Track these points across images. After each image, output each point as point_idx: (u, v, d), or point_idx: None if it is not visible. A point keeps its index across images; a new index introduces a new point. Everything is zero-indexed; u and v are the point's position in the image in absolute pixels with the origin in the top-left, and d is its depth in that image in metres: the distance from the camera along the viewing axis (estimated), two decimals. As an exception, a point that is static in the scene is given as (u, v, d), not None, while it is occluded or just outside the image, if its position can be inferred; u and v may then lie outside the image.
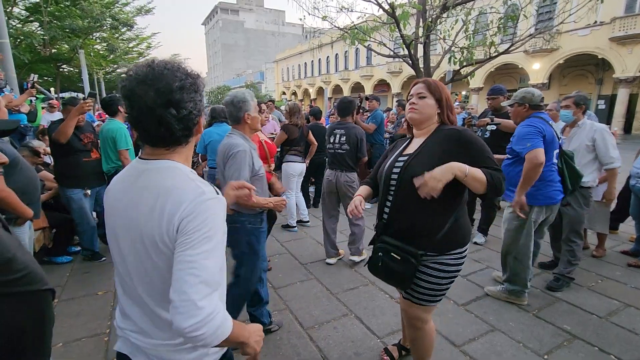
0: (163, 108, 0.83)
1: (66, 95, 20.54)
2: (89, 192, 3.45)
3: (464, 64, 8.57)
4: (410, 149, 1.66)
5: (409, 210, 1.58)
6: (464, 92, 24.37)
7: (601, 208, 3.52)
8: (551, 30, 12.31)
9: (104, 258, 3.61)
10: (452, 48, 8.60)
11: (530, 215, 2.61)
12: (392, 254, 1.61)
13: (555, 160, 2.62)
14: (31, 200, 2.22)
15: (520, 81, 22.31)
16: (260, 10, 71.52)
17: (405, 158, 1.62)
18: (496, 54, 8.43)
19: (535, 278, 3.22)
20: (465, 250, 1.64)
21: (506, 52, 8.33)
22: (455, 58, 8.63)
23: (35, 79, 4.19)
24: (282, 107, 8.81)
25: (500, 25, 8.44)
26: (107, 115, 3.71)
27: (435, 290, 1.63)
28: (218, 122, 3.85)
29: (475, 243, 4.01)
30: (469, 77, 8.93)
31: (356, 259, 3.53)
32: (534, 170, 2.41)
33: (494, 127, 3.73)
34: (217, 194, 0.89)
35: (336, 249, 3.58)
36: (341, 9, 8.49)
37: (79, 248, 3.87)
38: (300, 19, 8.51)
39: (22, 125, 3.67)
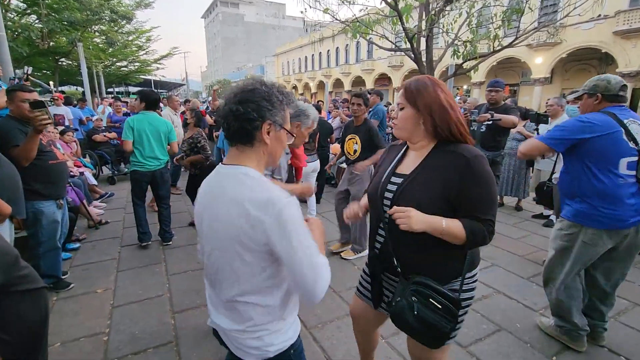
0: (233, 104, 1.00)
1: (66, 89, 20.41)
2: (62, 202, 2.94)
3: (467, 57, 8.46)
4: (405, 167, 1.38)
5: (410, 240, 1.29)
6: (465, 87, 24.20)
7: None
8: (556, 23, 12.15)
9: (72, 285, 2.99)
10: (455, 41, 8.48)
11: (578, 237, 2.06)
12: (431, 299, 1.24)
13: (627, 172, 1.91)
14: (12, 198, 2.15)
15: (522, 75, 22.14)
16: (261, 3, 70.81)
17: (400, 181, 1.35)
18: (500, 47, 8.32)
19: (541, 276, 3.17)
20: (476, 274, 1.40)
21: (510, 45, 8.21)
22: (458, 52, 8.52)
23: (29, 72, 4.10)
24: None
25: (505, 19, 8.31)
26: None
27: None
28: None
29: (480, 240, 3.95)
30: (472, 71, 8.83)
31: (347, 256, 3.54)
32: (524, 150, 2.13)
33: (491, 122, 3.67)
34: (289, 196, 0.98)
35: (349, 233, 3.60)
36: (343, 2, 8.35)
37: (78, 245, 3.84)
38: (302, 12, 8.38)
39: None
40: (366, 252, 3.38)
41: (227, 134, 1.04)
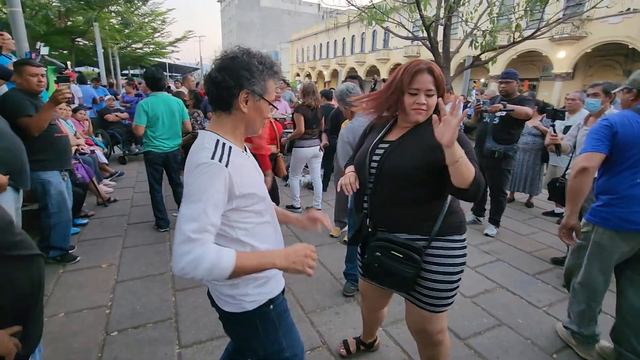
0: (213, 71, 1.03)
1: (83, 69, 20.63)
2: (66, 174, 3.06)
3: (486, 48, 8.20)
4: (392, 136, 1.47)
5: (392, 201, 1.40)
6: (482, 80, 23.59)
7: None
8: (581, 15, 11.64)
9: (78, 259, 3.06)
10: (474, 31, 8.22)
11: (590, 236, 1.96)
12: (393, 252, 1.39)
13: None
14: (11, 169, 2.18)
15: (542, 70, 21.44)
16: (277, -13, 69.89)
17: (386, 146, 1.44)
18: (520, 39, 8.04)
19: (547, 273, 3.11)
20: (465, 240, 1.46)
21: (531, 37, 7.93)
22: (477, 42, 8.27)
23: (41, 46, 4.13)
24: (298, 87, 8.62)
25: (528, 9, 8.00)
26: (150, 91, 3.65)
27: (446, 288, 1.41)
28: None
29: (487, 234, 3.88)
30: (490, 63, 8.57)
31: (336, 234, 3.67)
32: (578, 180, 1.83)
33: (504, 114, 3.53)
34: (213, 159, 0.97)
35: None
36: (360, -13, 8.14)
37: (86, 220, 3.91)
38: (317, -3, 8.22)
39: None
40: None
41: (209, 100, 1.08)
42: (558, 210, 4.58)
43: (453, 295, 1.45)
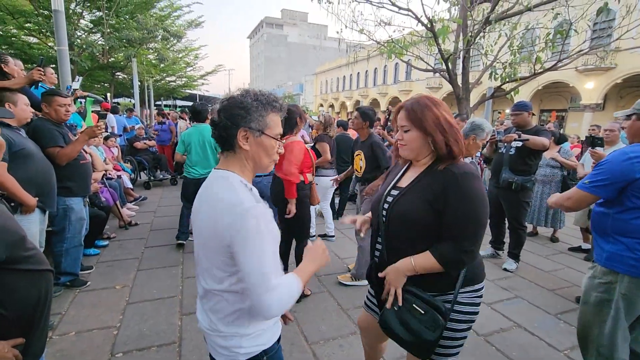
0: (215, 113, 1.07)
1: (121, 100, 22.18)
2: (87, 200, 3.16)
3: (506, 80, 8.19)
4: (404, 181, 1.43)
5: (401, 250, 1.35)
6: (507, 110, 23.28)
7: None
8: (606, 47, 11.46)
9: (88, 283, 3.12)
10: (494, 63, 8.26)
11: (615, 287, 1.64)
12: (414, 305, 1.30)
13: None
14: (41, 192, 2.35)
15: (570, 101, 20.95)
16: (304, 24, 73.66)
17: (397, 193, 1.40)
18: (541, 70, 7.98)
19: (571, 313, 2.90)
20: (481, 289, 1.38)
21: (552, 68, 7.86)
22: (497, 74, 8.28)
23: (79, 81, 4.52)
24: (314, 118, 8.86)
25: (548, 41, 8.00)
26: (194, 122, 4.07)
27: (449, 339, 1.34)
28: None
29: (505, 269, 3.70)
30: (512, 94, 8.51)
31: (345, 281, 3.29)
32: (564, 205, 1.80)
33: (520, 144, 3.46)
34: (257, 202, 1.02)
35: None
36: (379, 23, 8.44)
37: (107, 242, 4.07)
38: (337, 32, 8.58)
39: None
40: (364, 281, 3.19)
41: (215, 142, 1.12)
42: (585, 245, 4.33)
43: (458, 346, 1.38)
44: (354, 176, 4.83)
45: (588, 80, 18.51)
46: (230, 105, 1.05)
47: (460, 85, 8.41)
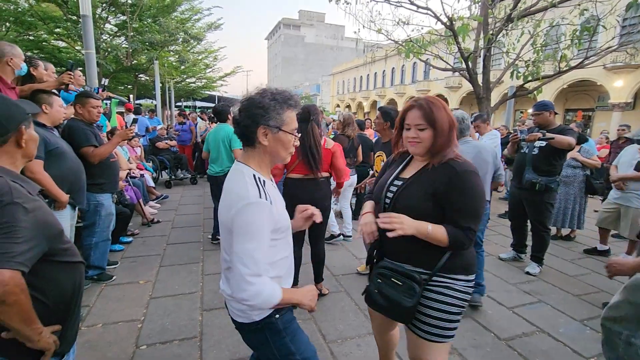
0: (237, 112, 1.18)
1: (143, 102, 22.85)
2: (115, 196, 3.32)
3: (529, 78, 7.97)
4: (407, 173, 1.54)
5: (403, 237, 1.39)
6: (530, 110, 22.63)
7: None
8: (636, 43, 10.92)
9: (114, 278, 3.23)
10: (517, 62, 8.05)
11: None
12: (393, 279, 1.44)
13: None
14: (72, 189, 2.47)
15: (598, 100, 20.16)
16: (321, 25, 73.77)
17: (400, 184, 1.50)
18: (567, 68, 7.72)
19: (598, 320, 2.79)
20: (472, 280, 1.48)
21: (578, 66, 7.60)
22: (519, 72, 8.07)
23: (106, 83, 4.69)
24: (332, 117, 8.86)
25: (574, 38, 7.74)
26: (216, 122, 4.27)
27: (444, 320, 1.42)
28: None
29: (528, 273, 3.61)
30: (534, 94, 8.28)
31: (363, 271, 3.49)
32: None
33: (544, 144, 3.36)
34: (260, 197, 1.10)
35: None
36: (397, 22, 8.36)
37: (131, 239, 4.21)
38: (355, 32, 8.57)
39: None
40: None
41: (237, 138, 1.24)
42: (601, 247, 4.18)
43: (451, 329, 1.45)
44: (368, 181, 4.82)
45: (617, 78, 17.76)
46: (250, 105, 1.15)
47: (481, 84, 8.24)
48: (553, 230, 4.57)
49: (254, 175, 1.16)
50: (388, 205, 1.51)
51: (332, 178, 3.02)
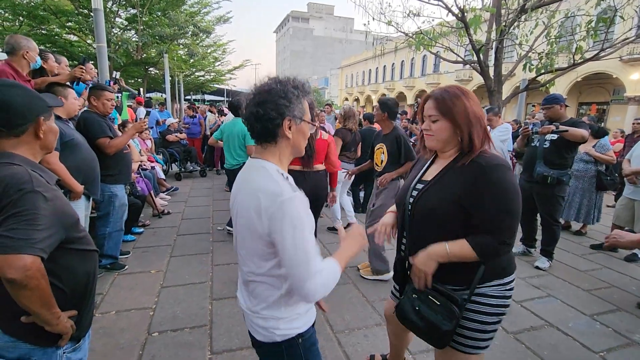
0: (253, 107, 1.04)
1: (153, 95, 23.06)
2: (129, 187, 3.37)
3: (542, 71, 7.80)
4: (430, 174, 1.41)
5: (427, 244, 1.32)
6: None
7: None
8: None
9: (126, 267, 3.29)
10: (529, 54, 7.89)
11: None
12: (430, 297, 1.32)
13: None
14: (87, 180, 2.53)
15: (613, 93, 19.65)
16: (330, 18, 73.09)
17: (422, 186, 1.39)
18: (582, 60, 7.54)
19: (608, 315, 2.77)
20: (511, 282, 1.35)
21: (594, 58, 7.41)
22: (532, 65, 7.90)
23: (118, 76, 4.75)
24: (337, 111, 8.82)
25: (590, 29, 7.54)
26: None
27: (479, 331, 1.32)
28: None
29: (537, 267, 3.58)
30: (547, 86, 8.12)
31: (367, 275, 3.28)
32: None
33: (555, 137, 3.31)
34: (294, 191, 1.03)
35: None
36: (408, 14, 8.23)
37: (142, 230, 4.29)
38: (364, 24, 8.47)
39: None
40: (387, 275, 3.16)
41: (252, 135, 1.10)
42: None
43: (487, 339, 1.35)
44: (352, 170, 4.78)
45: (634, 71, 17.27)
46: (273, 97, 1.04)
47: (492, 77, 8.11)
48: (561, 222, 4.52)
49: (278, 171, 1.08)
50: (410, 211, 1.39)
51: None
